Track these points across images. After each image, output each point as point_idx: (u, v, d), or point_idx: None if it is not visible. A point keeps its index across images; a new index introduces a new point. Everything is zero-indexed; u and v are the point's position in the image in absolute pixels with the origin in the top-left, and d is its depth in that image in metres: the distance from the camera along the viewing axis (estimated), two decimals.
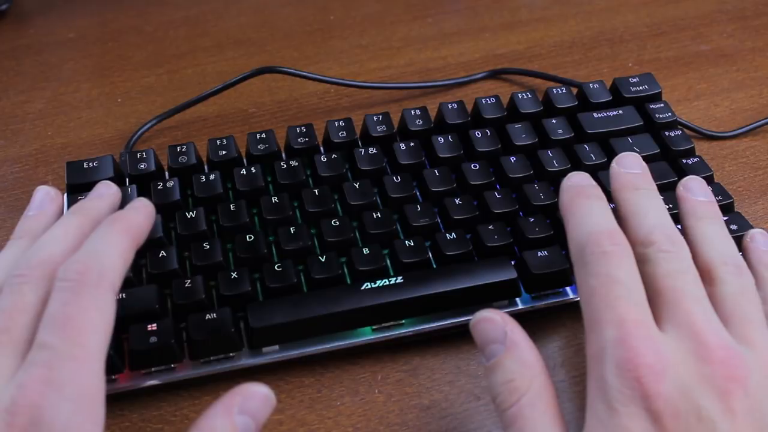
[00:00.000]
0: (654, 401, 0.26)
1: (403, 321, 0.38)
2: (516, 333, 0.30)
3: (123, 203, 0.41)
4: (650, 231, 0.32)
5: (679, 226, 0.35)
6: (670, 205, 0.41)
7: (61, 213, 0.38)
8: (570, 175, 0.35)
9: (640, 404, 0.26)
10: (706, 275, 0.31)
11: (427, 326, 0.38)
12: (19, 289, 0.29)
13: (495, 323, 0.31)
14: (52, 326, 0.27)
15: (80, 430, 0.25)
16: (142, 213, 0.34)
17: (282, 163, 0.43)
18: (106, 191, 0.37)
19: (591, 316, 0.29)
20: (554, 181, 0.43)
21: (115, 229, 0.32)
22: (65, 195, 0.42)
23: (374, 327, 0.38)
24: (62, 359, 0.26)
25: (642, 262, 0.31)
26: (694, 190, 0.36)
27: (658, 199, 0.34)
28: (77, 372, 0.26)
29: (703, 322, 0.28)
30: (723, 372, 0.27)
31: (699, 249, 0.33)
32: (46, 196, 0.37)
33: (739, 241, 0.40)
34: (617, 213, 0.34)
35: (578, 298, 0.39)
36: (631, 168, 0.36)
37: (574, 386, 0.37)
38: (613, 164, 0.36)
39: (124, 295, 0.36)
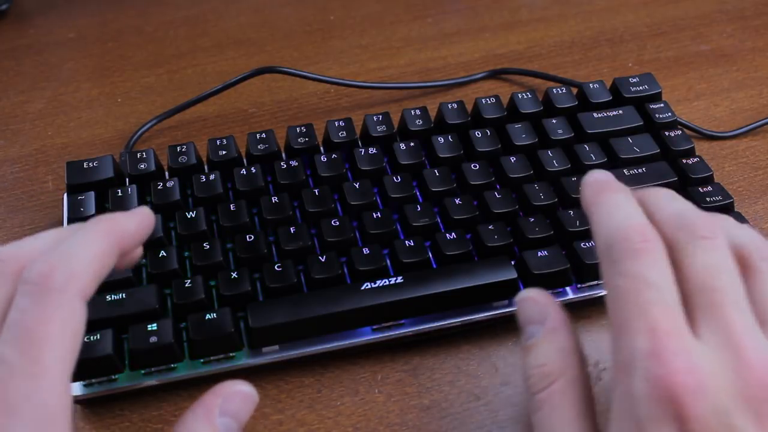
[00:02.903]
0: (688, 423, 0.23)
1: (403, 321, 0.38)
2: (558, 318, 0.29)
3: (123, 205, 0.41)
4: (682, 214, 0.28)
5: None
6: None
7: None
8: (591, 172, 0.32)
9: (672, 426, 0.24)
10: (738, 263, 0.28)
11: (427, 326, 0.38)
12: None
13: (538, 304, 0.30)
14: (9, 337, 0.24)
15: None
16: (134, 218, 0.30)
17: (282, 163, 0.43)
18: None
19: (619, 321, 0.26)
20: (554, 181, 0.43)
21: (95, 230, 0.28)
22: (65, 195, 0.42)
23: (374, 327, 0.38)
24: (17, 377, 0.23)
25: (674, 249, 0.28)
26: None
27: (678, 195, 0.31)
28: (34, 391, 0.23)
29: (744, 333, 0.25)
30: (763, 393, 0.24)
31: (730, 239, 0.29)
32: None
33: None
34: None
35: (580, 298, 0.39)
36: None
37: None
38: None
39: (124, 294, 0.36)
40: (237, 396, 0.28)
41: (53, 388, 0.24)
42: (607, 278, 0.27)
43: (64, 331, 0.24)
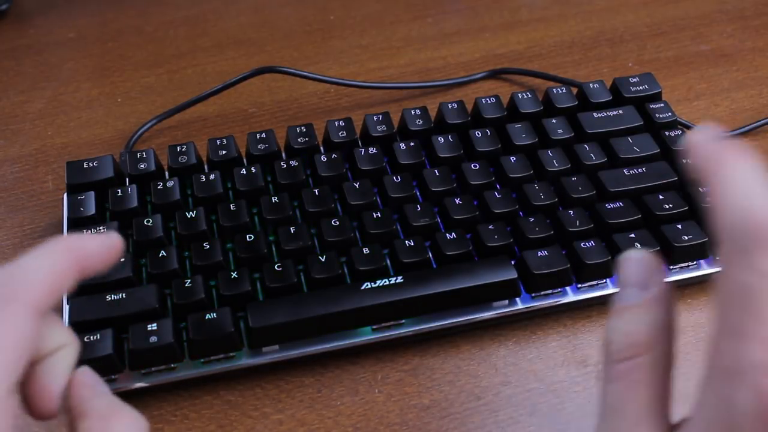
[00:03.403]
0: None
1: (403, 321, 0.38)
2: (663, 289, 0.26)
3: (123, 205, 0.41)
4: None
5: None
6: (671, 205, 0.41)
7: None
8: (708, 131, 0.26)
9: None
10: None
11: (427, 326, 0.38)
12: None
13: (647, 268, 0.27)
14: None
15: None
16: (97, 240, 0.29)
17: (282, 163, 0.43)
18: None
19: (734, 321, 0.23)
20: (554, 181, 0.43)
21: (54, 247, 0.27)
22: (65, 195, 0.42)
23: (374, 327, 0.38)
24: None
25: None
26: None
27: None
28: None
29: None
30: None
31: None
32: None
33: None
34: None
35: (580, 298, 0.39)
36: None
37: (574, 386, 0.37)
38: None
39: (124, 294, 0.36)
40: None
41: None
42: (731, 268, 0.23)
43: (8, 340, 0.24)
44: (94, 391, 0.27)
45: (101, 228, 0.40)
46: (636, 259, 0.27)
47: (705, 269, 0.41)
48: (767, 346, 0.22)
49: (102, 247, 0.28)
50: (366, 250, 0.39)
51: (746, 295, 0.23)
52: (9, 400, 0.23)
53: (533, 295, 0.39)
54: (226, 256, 0.40)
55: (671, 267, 0.40)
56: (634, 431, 0.25)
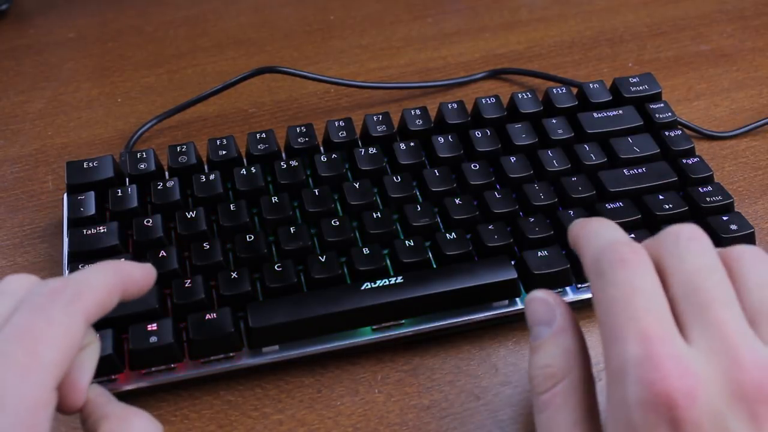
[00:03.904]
0: (683, 426, 0.24)
1: (403, 321, 0.38)
2: (566, 320, 0.30)
3: (123, 205, 0.41)
4: (666, 229, 0.29)
5: None
6: (671, 205, 0.41)
7: None
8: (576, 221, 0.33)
9: (667, 430, 0.24)
10: (724, 264, 0.28)
11: (427, 326, 0.38)
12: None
13: (547, 305, 0.30)
14: (9, 333, 0.25)
15: None
16: (141, 269, 0.32)
17: (282, 163, 0.43)
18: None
19: (610, 330, 0.26)
20: (554, 181, 0.43)
21: (106, 267, 0.30)
22: (65, 195, 0.42)
23: (374, 327, 0.38)
24: (10, 367, 0.24)
25: (660, 259, 0.28)
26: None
27: None
28: (23, 382, 0.24)
29: (736, 334, 0.25)
30: (757, 395, 0.24)
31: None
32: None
33: (738, 241, 0.40)
34: None
35: (580, 298, 0.39)
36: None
37: None
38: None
39: None
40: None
41: (43, 383, 0.25)
42: (597, 290, 0.28)
43: (63, 337, 0.26)
44: (109, 398, 0.29)
45: (101, 228, 0.40)
46: (538, 300, 0.31)
47: None
48: (640, 341, 0.25)
49: (143, 276, 0.31)
50: (366, 250, 0.39)
51: (613, 305, 0.26)
52: (54, 393, 0.26)
53: None
54: (226, 257, 0.40)
55: None
56: None
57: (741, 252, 0.29)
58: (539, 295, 0.31)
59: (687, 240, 0.28)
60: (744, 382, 0.24)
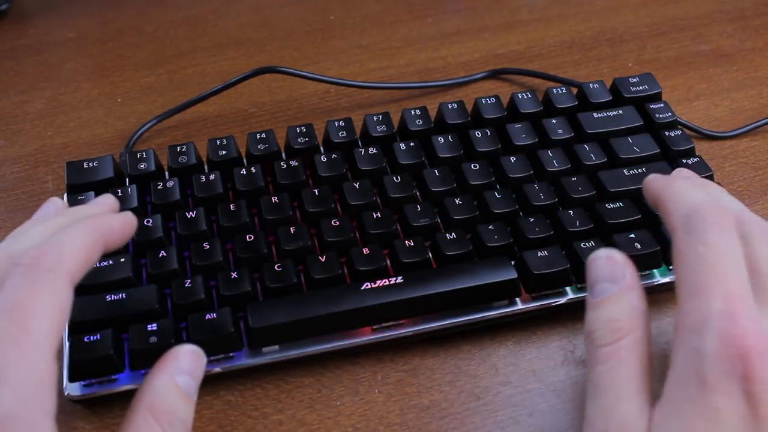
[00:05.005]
0: (754, 384, 0.25)
1: (403, 321, 0.38)
2: (635, 278, 0.30)
3: (123, 205, 0.41)
4: (741, 210, 0.31)
5: None
6: None
7: None
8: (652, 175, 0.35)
9: (738, 384, 0.25)
10: None
11: (427, 326, 0.38)
12: None
13: (616, 263, 0.31)
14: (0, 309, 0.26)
15: (26, 418, 0.24)
16: (118, 219, 0.32)
17: (282, 163, 0.43)
18: (103, 200, 0.35)
19: (695, 284, 0.27)
20: (554, 181, 0.43)
21: (83, 224, 0.30)
22: (65, 195, 0.42)
23: (374, 327, 0.38)
24: (6, 344, 0.25)
25: (746, 235, 0.30)
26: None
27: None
28: (21, 357, 0.24)
29: None
30: None
31: None
32: (52, 206, 0.35)
33: None
34: None
35: (580, 298, 0.39)
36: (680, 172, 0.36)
37: (574, 386, 0.37)
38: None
39: (124, 294, 0.36)
40: (187, 354, 0.30)
41: (40, 356, 0.25)
42: (685, 246, 0.29)
43: (52, 305, 0.26)
44: None
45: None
46: (604, 257, 0.31)
47: None
48: (725, 298, 0.26)
49: (123, 225, 0.32)
50: (366, 250, 0.39)
51: (702, 263, 0.28)
52: (54, 363, 0.26)
53: (533, 295, 0.39)
54: (226, 257, 0.39)
55: (670, 267, 0.40)
56: (619, 406, 0.27)
57: None
58: (607, 252, 0.32)
59: (759, 234, 0.30)
60: None
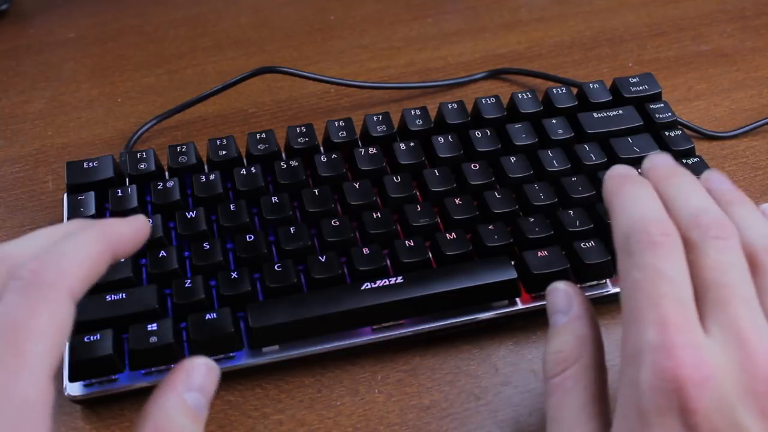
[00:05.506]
0: (692, 416, 0.24)
1: (403, 321, 0.38)
2: (581, 308, 0.30)
3: (123, 205, 0.41)
4: (697, 213, 0.29)
5: None
6: None
7: None
8: (614, 167, 0.33)
9: (676, 418, 0.24)
10: (748, 261, 0.28)
11: (427, 326, 0.38)
12: None
13: (566, 294, 0.31)
14: None
15: None
16: (129, 224, 0.30)
17: (282, 163, 0.43)
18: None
19: (631, 312, 0.27)
20: (554, 181, 0.43)
21: (89, 233, 0.27)
22: (65, 195, 0.42)
23: (374, 327, 0.38)
24: None
25: (688, 248, 0.28)
26: (716, 180, 0.33)
27: (699, 184, 0.32)
28: (14, 384, 0.23)
29: (752, 330, 0.26)
30: None
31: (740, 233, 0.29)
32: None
33: None
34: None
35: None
36: (664, 162, 0.33)
37: None
38: (645, 163, 0.34)
39: (124, 294, 0.36)
40: (200, 369, 0.28)
41: (34, 382, 0.23)
42: (623, 270, 0.28)
43: (49, 325, 0.24)
44: None
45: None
46: (557, 290, 0.32)
47: None
48: (658, 328, 0.26)
49: (134, 232, 0.29)
50: (366, 250, 0.39)
51: (636, 289, 0.27)
52: (50, 386, 0.24)
53: (533, 295, 0.39)
54: (226, 257, 0.39)
55: None
56: None
57: (765, 250, 0.29)
58: (559, 286, 0.32)
59: (714, 239, 0.28)
60: (757, 377, 0.25)
